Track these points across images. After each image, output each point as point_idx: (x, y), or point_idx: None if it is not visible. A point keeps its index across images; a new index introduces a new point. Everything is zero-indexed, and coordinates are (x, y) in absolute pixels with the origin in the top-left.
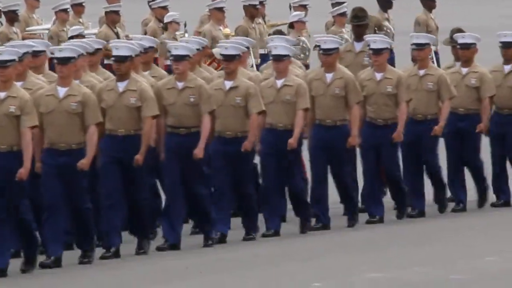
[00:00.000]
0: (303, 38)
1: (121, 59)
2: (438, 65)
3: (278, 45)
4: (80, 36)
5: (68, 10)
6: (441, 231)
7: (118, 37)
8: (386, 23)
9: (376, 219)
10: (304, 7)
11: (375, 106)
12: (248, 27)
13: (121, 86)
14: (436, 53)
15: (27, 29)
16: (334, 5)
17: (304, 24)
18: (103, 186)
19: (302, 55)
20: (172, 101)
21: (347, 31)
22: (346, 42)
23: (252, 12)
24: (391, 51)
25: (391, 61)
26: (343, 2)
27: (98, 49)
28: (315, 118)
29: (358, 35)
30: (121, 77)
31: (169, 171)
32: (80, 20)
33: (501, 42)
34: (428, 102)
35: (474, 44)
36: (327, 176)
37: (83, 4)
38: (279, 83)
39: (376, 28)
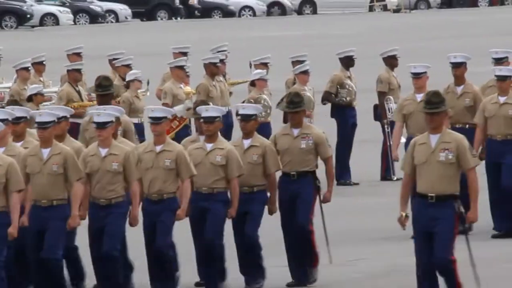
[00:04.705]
0: (264, 96)
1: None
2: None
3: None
4: (39, 94)
5: (29, 68)
6: None
7: (80, 96)
8: (348, 81)
9: None
10: (265, 65)
11: (99, 185)
12: (208, 85)
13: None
14: None
15: None
16: (294, 63)
17: (265, 82)
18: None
19: (263, 113)
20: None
21: (309, 88)
22: (309, 100)
23: (213, 70)
24: (352, 108)
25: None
26: (304, 61)
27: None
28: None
29: (103, 105)
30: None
31: None
32: (41, 78)
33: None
34: (165, 180)
35: (219, 117)
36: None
37: (44, 62)
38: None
39: (338, 86)
